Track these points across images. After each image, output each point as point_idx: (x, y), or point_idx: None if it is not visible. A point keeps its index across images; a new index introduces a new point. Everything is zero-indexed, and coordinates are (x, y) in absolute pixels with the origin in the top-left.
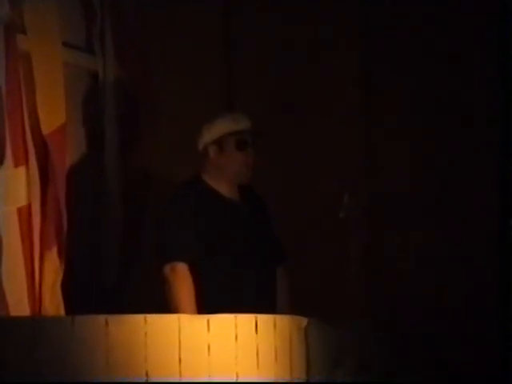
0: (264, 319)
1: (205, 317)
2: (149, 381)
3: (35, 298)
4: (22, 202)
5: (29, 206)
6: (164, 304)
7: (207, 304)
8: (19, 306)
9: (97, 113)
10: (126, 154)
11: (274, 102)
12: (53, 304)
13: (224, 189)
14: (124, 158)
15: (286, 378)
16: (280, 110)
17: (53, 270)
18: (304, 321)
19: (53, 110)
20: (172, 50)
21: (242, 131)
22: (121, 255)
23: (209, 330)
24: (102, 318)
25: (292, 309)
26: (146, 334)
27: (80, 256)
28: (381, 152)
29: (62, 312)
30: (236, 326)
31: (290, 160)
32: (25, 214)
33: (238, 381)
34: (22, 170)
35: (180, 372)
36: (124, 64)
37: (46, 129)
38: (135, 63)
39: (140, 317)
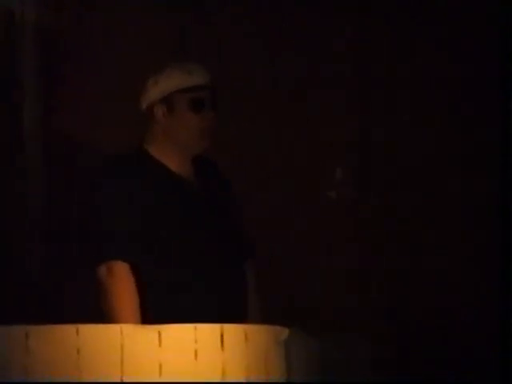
0: (232, 330)
1: (155, 328)
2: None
3: None
4: None
5: None
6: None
7: (155, 314)
8: None
9: (13, 62)
10: (49, 115)
11: (242, 52)
12: None
13: (174, 162)
14: (48, 120)
15: None
16: (251, 62)
17: None
18: (284, 332)
19: None
20: None
21: (199, 87)
22: (44, 247)
23: (160, 344)
24: (20, 328)
25: (265, 317)
26: (78, 350)
27: None
28: (377, 115)
29: None
30: (196, 340)
31: (263, 125)
32: None
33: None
34: None
35: None
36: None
37: None
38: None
39: (71, 327)
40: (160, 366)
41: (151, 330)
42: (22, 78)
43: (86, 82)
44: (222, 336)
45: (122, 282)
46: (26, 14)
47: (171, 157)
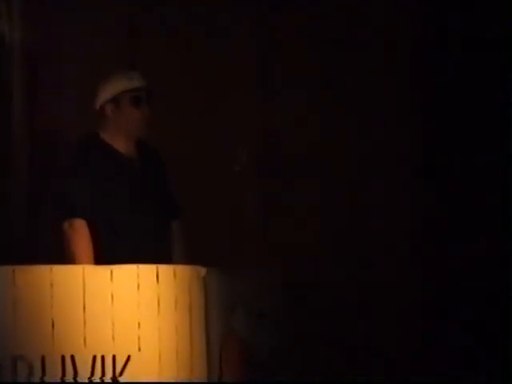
0: (165, 269)
1: (108, 267)
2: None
3: None
4: None
5: None
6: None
7: (107, 258)
8: None
9: (3, 77)
10: (33, 117)
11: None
12: None
13: (120, 145)
14: (31, 120)
15: (185, 325)
16: (179, 71)
17: None
18: (203, 270)
19: None
20: (80, 12)
21: (137, 88)
22: (29, 205)
23: (112, 279)
24: (8, 268)
25: (188, 260)
26: (51, 284)
27: None
28: (279, 102)
29: None
30: (138, 276)
31: (188, 114)
32: None
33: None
34: None
35: (84, 320)
36: (31, 27)
37: None
38: (42, 25)
39: (46, 267)
40: (112, 296)
41: (105, 269)
42: (11, 84)
43: (62, 85)
44: (157, 273)
45: (79, 233)
46: (13, 37)
47: (119, 141)
